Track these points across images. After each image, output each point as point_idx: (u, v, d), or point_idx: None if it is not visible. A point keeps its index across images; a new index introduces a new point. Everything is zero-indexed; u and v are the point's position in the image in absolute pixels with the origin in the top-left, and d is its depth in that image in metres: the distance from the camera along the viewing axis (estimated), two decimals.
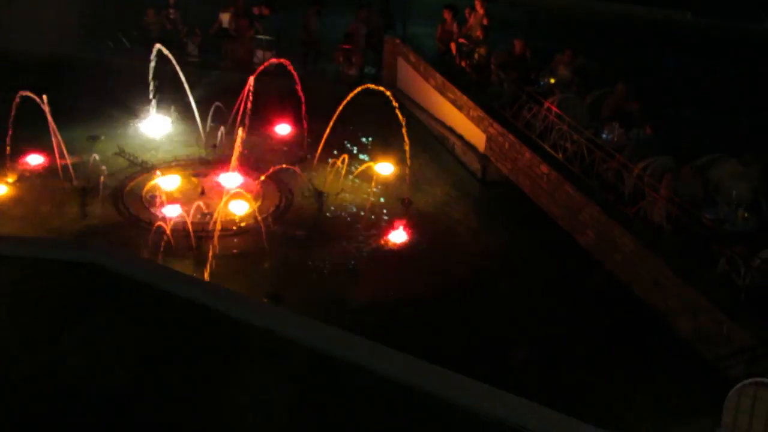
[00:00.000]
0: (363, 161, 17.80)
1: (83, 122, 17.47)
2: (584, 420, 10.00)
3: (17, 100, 16.04)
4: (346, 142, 18.55)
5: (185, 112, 18.76)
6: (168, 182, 16.52)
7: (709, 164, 14.05)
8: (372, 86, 17.55)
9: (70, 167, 16.55)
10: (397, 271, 14.66)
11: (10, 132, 16.28)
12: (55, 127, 16.30)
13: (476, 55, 19.84)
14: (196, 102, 18.43)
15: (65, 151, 16.54)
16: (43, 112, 16.22)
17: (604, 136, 15.77)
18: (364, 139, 19.14)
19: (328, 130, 17.46)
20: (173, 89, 18.66)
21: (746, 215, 12.90)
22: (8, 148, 16.39)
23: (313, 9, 22.31)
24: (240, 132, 16.37)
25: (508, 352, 12.72)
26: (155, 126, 18.79)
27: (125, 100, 18.84)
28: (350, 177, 17.40)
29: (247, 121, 17.67)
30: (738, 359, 10.88)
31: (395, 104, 16.54)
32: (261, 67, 18.35)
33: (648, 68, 23.70)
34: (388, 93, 16.81)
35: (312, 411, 10.22)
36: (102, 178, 16.44)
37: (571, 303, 14.09)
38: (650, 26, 29.99)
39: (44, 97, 16.06)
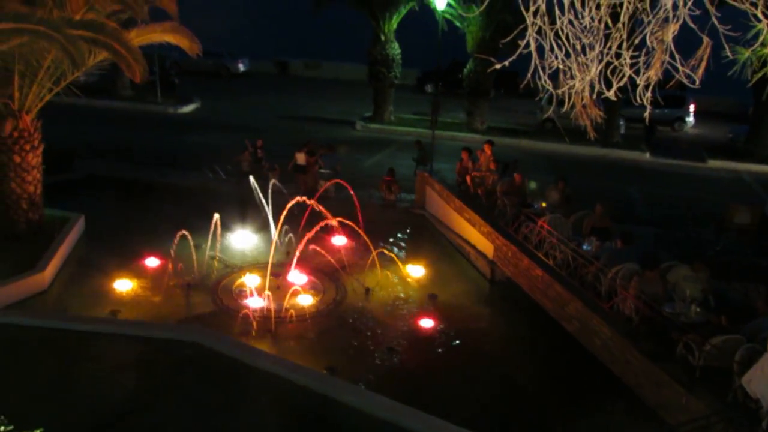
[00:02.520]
0: (399, 265, 17.79)
1: (190, 231, 17.72)
2: None
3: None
4: (386, 250, 18.60)
5: (266, 227, 18.79)
6: (251, 280, 16.58)
7: (668, 269, 13.90)
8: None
9: (177, 268, 16.74)
10: (426, 349, 14.49)
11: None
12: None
13: (486, 185, 20.02)
14: (275, 219, 18.57)
15: (174, 256, 16.78)
16: (154, 223, 16.50)
17: (584, 247, 15.70)
18: (399, 249, 19.21)
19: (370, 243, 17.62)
20: (258, 209, 18.92)
21: (698, 310, 12.67)
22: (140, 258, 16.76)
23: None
24: (307, 242, 16.47)
25: (510, 410, 12.51)
26: (242, 237, 18.99)
27: (221, 217, 19.12)
28: (390, 277, 17.37)
29: (312, 234, 17.78)
30: (695, 425, 10.54)
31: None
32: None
33: (617, 196, 23.75)
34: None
35: None
36: (201, 276, 16.67)
37: (560, 373, 13.85)
38: (618, 164, 30.19)
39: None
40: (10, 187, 17.17)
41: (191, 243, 16.83)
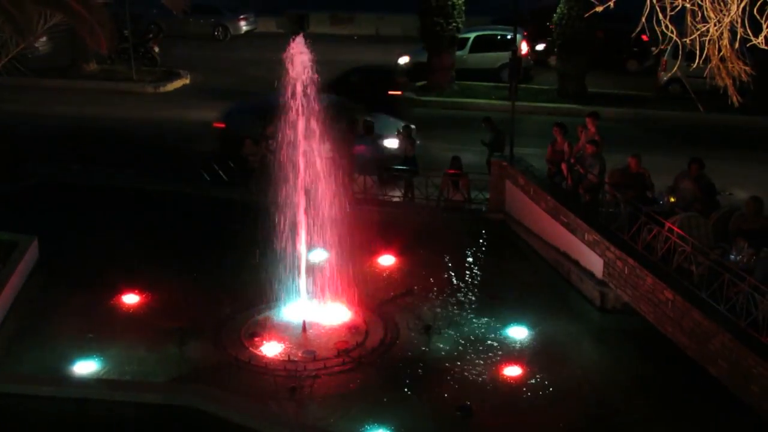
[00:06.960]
0: (472, 291, 17.69)
1: (183, 256, 17.81)
2: None
3: None
4: (452, 272, 18.48)
5: (284, 248, 17.73)
6: (267, 320, 16.66)
7: None
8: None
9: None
10: (513, 410, 14.36)
11: None
12: None
13: (589, 176, 19.75)
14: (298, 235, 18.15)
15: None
16: (132, 247, 16.65)
17: (731, 257, 15.44)
18: (471, 269, 19.10)
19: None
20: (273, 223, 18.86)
21: None
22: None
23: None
24: (344, 266, 16.44)
25: None
26: (255, 261, 18.91)
27: (220, 234, 19.16)
28: (459, 308, 17.33)
29: (348, 252, 17.73)
30: None
31: None
32: None
33: None
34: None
35: None
36: (201, 317, 16.75)
37: None
38: None
39: None
40: None
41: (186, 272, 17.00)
